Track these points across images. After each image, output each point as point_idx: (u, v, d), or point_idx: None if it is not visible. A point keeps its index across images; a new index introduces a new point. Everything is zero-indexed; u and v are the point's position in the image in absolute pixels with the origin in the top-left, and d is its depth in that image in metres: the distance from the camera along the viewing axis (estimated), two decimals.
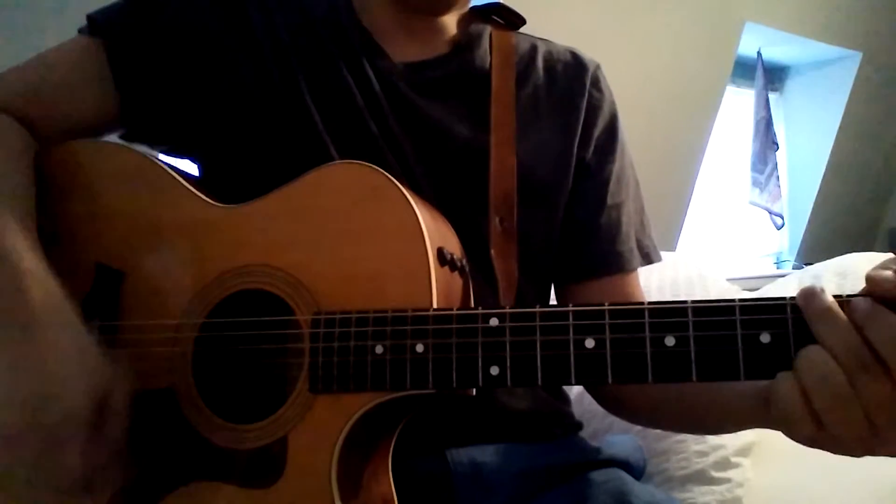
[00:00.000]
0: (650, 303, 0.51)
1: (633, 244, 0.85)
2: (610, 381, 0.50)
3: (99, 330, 0.64)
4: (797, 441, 0.52)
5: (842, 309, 0.47)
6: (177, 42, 0.77)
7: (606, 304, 0.52)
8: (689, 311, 0.49)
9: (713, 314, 0.49)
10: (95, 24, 0.77)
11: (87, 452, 0.54)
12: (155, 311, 0.65)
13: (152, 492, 0.63)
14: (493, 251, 0.74)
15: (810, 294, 0.48)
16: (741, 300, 0.48)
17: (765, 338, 0.47)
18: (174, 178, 0.70)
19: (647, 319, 0.50)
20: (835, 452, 0.51)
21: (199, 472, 0.62)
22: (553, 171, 0.82)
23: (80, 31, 0.78)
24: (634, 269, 0.85)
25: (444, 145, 0.77)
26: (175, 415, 0.63)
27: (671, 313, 0.50)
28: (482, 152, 0.77)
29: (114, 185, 0.71)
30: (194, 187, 0.69)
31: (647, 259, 0.86)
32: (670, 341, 0.49)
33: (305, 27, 0.79)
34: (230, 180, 0.73)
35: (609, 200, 0.84)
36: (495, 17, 0.88)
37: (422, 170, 0.75)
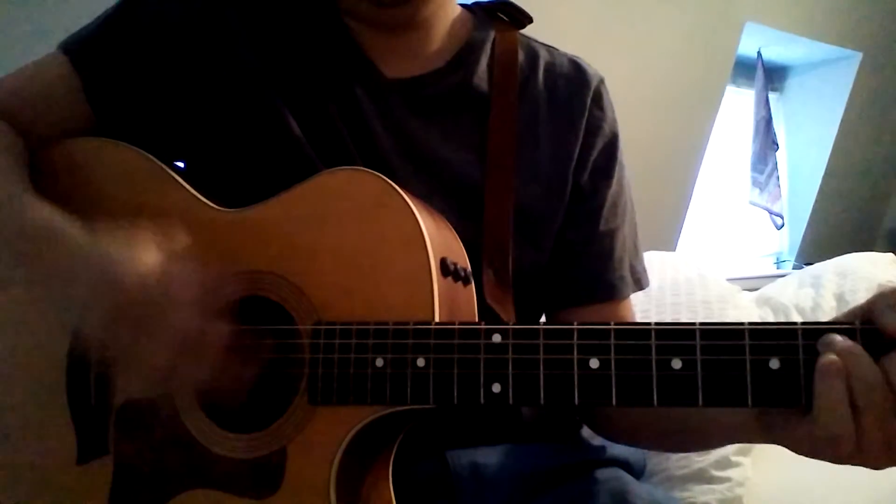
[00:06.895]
0: (657, 323, 0.50)
1: (626, 271, 0.81)
2: (614, 402, 0.49)
3: None
4: (803, 454, 0.51)
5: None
6: (153, 64, 0.74)
7: (612, 323, 0.51)
8: (697, 333, 0.48)
9: (721, 338, 0.48)
10: (70, 52, 0.75)
11: None
12: None
13: (150, 499, 0.62)
14: (487, 299, 0.71)
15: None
16: (750, 324, 0.47)
17: (774, 364, 0.46)
18: (175, 178, 0.69)
19: (653, 341, 0.49)
20: (853, 463, 0.49)
21: (197, 480, 0.62)
22: (547, 198, 0.78)
23: (60, 46, 0.76)
24: (627, 297, 0.81)
25: (436, 173, 0.74)
26: (174, 422, 0.63)
27: (678, 335, 0.49)
28: (477, 189, 0.74)
29: (114, 184, 0.70)
30: (195, 189, 0.69)
31: (639, 285, 0.83)
32: (677, 364, 0.48)
33: (291, 43, 0.75)
34: (221, 188, 0.71)
35: (602, 226, 0.80)
36: (500, 15, 0.84)
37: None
